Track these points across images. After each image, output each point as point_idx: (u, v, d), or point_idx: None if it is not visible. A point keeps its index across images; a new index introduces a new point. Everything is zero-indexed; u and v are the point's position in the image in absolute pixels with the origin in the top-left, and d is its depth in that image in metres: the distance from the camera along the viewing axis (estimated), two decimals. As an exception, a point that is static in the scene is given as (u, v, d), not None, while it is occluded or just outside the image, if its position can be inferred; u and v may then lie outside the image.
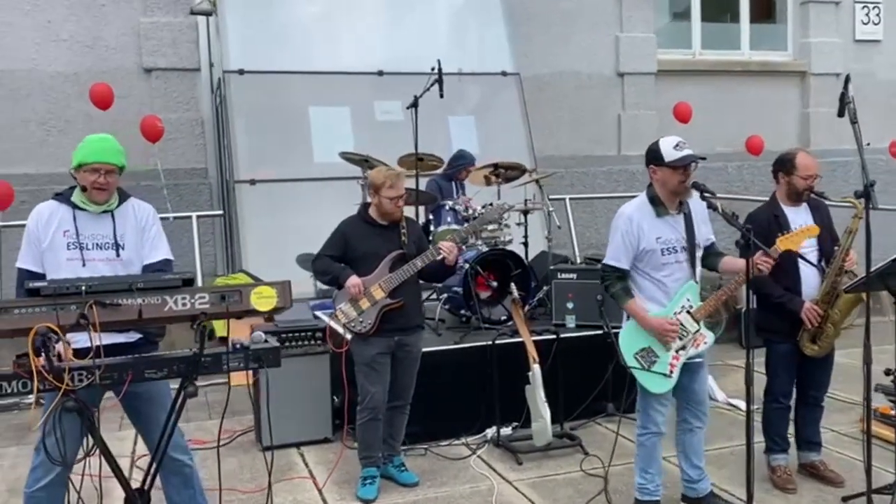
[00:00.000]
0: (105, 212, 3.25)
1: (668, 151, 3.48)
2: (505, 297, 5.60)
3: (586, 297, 5.27)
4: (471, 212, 5.70)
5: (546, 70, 10.45)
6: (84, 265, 3.16)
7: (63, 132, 8.94)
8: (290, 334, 4.89)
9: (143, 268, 3.28)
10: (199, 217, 7.15)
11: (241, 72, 7.39)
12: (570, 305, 5.42)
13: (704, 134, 11.31)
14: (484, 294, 5.60)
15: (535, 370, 4.62)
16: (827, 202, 4.07)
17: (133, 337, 3.25)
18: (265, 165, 7.16)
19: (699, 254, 3.66)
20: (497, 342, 4.92)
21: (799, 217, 3.98)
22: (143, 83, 9.20)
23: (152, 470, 3.01)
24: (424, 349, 4.91)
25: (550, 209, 6.26)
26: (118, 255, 3.23)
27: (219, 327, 6.46)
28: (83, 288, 2.53)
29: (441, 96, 5.83)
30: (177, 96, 9.22)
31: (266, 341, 3.10)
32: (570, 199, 8.58)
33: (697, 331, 3.60)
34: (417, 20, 8.04)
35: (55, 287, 2.52)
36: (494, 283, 5.51)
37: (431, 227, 5.77)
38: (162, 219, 7.99)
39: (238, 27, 7.54)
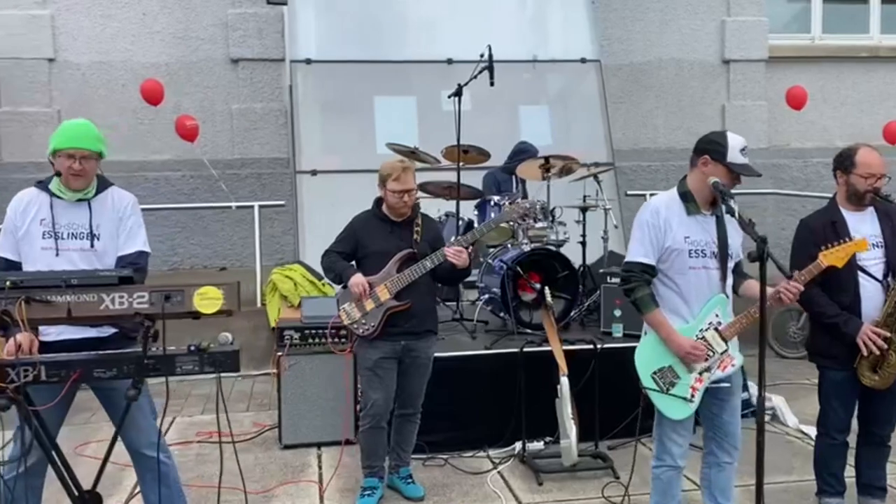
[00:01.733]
0: (81, 200, 3.16)
1: (735, 152, 3.02)
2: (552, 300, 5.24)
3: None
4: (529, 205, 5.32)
5: (641, 57, 9.84)
6: (58, 255, 3.10)
7: (154, 122, 9.24)
8: (315, 330, 4.72)
9: (117, 259, 3.18)
10: (261, 207, 7.13)
11: (308, 61, 7.34)
12: (617, 313, 4.97)
13: (822, 127, 10.35)
14: (527, 296, 5.23)
15: (564, 383, 4.24)
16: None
17: (106, 332, 3.16)
18: (328, 156, 7.08)
19: (731, 264, 3.17)
20: (525, 350, 4.55)
21: (863, 224, 3.41)
22: (229, 73, 9.38)
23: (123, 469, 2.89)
24: (451, 353, 4.69)
25: (607, 207, 5.79)
26: (93, 245, 3.14)
27: (272, 315, 6.45)
28: (7, 283, 2.43)
29: (491, 84, 5.50)
30: (262, 86, 9.34)
31: (232, 343, 2.94)
32: (651, 194, 7.95)
33: (725, 351, 3.12)
34: (491, 5, 7.69)
35: (-15, 281, 2.44)
36: (538, 286, 5.13)
37: (475, 224, 5.44)
38: (223, 208, 8.17)
39: (307, 17, 7.50)
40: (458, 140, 5.37)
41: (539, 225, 5.34)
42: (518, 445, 4.58)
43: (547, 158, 5.38)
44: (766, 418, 5.05)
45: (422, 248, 3.86)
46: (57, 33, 9.00)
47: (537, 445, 4.63)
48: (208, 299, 2.66)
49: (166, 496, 3.37)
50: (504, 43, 7.61)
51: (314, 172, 7.01)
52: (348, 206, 6.66)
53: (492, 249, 5.57)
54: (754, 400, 5.12)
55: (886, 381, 3.36)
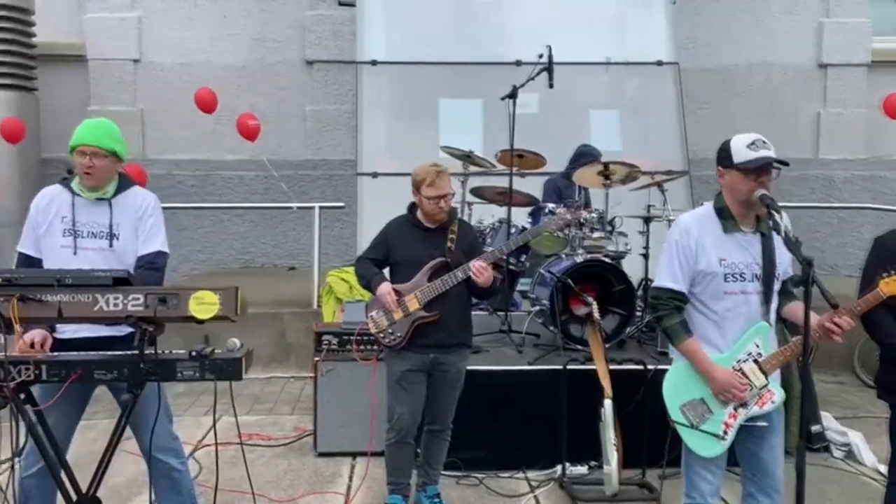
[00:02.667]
0: (101, 199, 3.14)
1: (740, 150, 2.72)
2: (605, 315, 4.95)
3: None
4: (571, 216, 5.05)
5: (729, 60, 9.37)
6: (76, 253, 3.08)
7: (230, 122, 9.36)
8: (352, 336, 4.60)
9: (136, 259, 3.14)
10: (322, 208, 7.11)
11: (373, 63, 7.28)
12: (674, 332, 4.61)
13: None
14: (580, 310, 4.95)
15: (607, 406, 3.97)
16: None
17: (123, 331, 3.11)
18: (389, 158, 6.97)
19: (777, 286, 2.84)
20: (569, 368, 4.29)
21: (944, 246, 3.00)
22: (304, 75, 9.48)
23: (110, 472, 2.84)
24: (490, 367, 4.48)
25: (671, 217, 5.42)
26: (111, 245, 3.12)
27: (327, 317, 6.39)
28: (-1, 281, 2.40)
29: (550, 86, 5.26)
30: (336, 88, 9.39)
31: (241, 347, 2.85)
32: None
33: (765, 386, 2.80)
34: (563, 6, 7.43)
35: (-23, 278, 2.41)
36: (590, 300, 4.84)
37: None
38: (283, 209, 8.19)
39: (376, 18, 7.43)
40: (512, 144, 5.16)
41: (596, 235, 5.07)
42: (559, 469, 4.32)
43: (606, 164, 5.08)
44: (840, 455, 4.67)
45: (456, 257, 3.67)
46: (143, 36, 9.31)
47: (580, 470, 4.37)
48: (204, 304, 2.57)
49: (179, 503, 3.31)
50: (576, 44, 7.37)
51: (375, 175, 6.94)
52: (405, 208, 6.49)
53: (548, 258, 5.32)
54: (829, 434, 4.77)
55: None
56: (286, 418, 5.38)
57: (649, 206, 5.52)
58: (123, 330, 3.14)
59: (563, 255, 5.10)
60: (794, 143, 9.48)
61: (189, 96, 9.24)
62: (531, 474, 4.37)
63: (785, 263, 2.86)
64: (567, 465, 4.33)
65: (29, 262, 3.12)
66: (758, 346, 2.80)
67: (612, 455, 3.87)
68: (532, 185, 5.58)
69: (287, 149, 9.44)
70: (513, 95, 5.10)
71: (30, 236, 3.16)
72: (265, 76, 9.42)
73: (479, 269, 3.55)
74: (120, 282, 2.53)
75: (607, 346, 4.87)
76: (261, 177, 9.23)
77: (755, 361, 2.79)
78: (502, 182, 5.52)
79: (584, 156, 5.83)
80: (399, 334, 3.64)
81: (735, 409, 2.80)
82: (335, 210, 7.65)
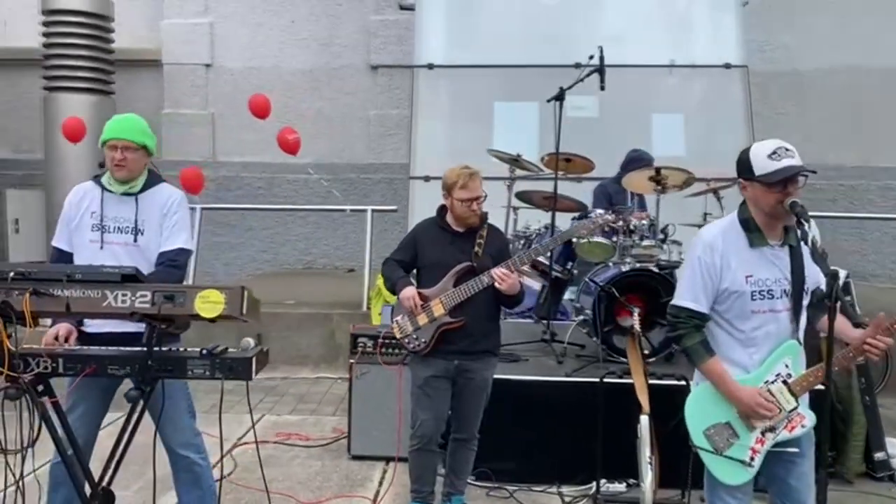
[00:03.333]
0: (128, 194, 3.19)
1: (761, 161, 2.54)
2: (653, 327, 4.77)
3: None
4: (621, 224, 4.88)
5: (809, 64, 8.96)
6: (102, 248, 3.15)
7: (296, 125, 9.37)
8: (389, 339, 4.54)
9: (158, 255, 3.18)
10: (374, 211, 7.13)
11: (429, 66, 7.25)
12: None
13: None
14: (626, 321, 4.76)
15: (643, 422, 3.78)
16: None
17: (141, 326, 3.16)
18: (442, 161, 6.90)
19: (806, 301, 2.64)
20: (606, 381, 4.13)
21: None
22: (368, 80, 9.57)
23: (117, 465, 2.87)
24: (525, 377, 4.38)
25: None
26: (136, 240, 3.16)
27: (374, 319, 6.39)
28: (10, 274, 2.46)
29: (602, 88, 5.10)
30: (399, 93, 9.43)
31: (255, 347, 2.86)
32: (826, 216, 7.09)
33: (795, 409, 2.60)
34: (626, 7, 7.23)
35: (-7, 272, 2.48)
36: (636, 310, 4.66)
37: (574, 239, 5.04)
38: (336, 210, 8.27)
39: (434, 22, 7.40)
40: (558, 147, 5.02)
41: (646, 243, 4.88)
42: (595, 485, 4.16)
43: (658, 170, 4.88)
44: (905, 483, 4.34)
45: (483, 262, 3.57)
46: (214, 41, 9.58)
47: (618, 487, 4.20)
48: (210, 303, 2.56)
49: (198, 497, 3.34)
50: (639, 47, 7.17)
51: (427, 178, 6.91)
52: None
53: (596, 266, 5.16)
54: (894, 462, 4.45)
55: None
56: (328, 419, 5.39)
57: (706, 213, 5.29)
58: (141, 326, 3.20)
59: (611, 264, 4.93)
60: (883, 151, 8.99)
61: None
62: (565, 489, 4.22)
63: (815, 275, 2.66)
64: (604, 482, 4.17)
65: (61, 256, 3.20)
66: (787, 366, 2.61)
67: (647, 473, 3.69)
68: (581, 190, 5.42)
69: (351, 152, 9.55)
70: (560, 98, 4.97)
71: (63, 231, 3.24)
72: (331, 80, 9.55)
73: (502, 276, 3.45)
74: (128, 279, 2.56)
75: (653, 359, 4.71)
76: (323, 180, 9.35)
77: (784, 382, 2.60)
78: (550, 186, 5.39)
79: (636, 161, 5.63)
80: (423, 340, 3.57)
81: (763, 433, 2.62)
82: (389, 213, 7.66)
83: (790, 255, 2.62)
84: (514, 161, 5.34)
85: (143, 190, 3.22)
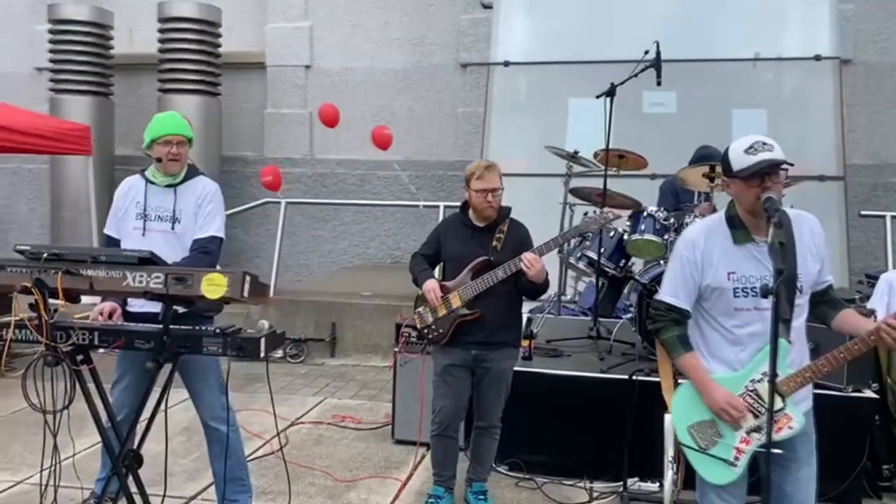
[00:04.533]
0: (170, 186, 3.50)
1: (738, 156, 2.51)
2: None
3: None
4: (673, 221, 4.81)
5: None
6: (144, 234, 3.47)
7: (388, 124, 9.82)
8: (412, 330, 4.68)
9: (193, 241, 3.47)
10: (446, 207, 7.29)
11: (505, 64, 7.32)
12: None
13: None
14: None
15: (667, 421, 3.74)
16: None
17: (181, 308, 3.46)
18: (515, 158, 6.98)
19: (801, 300, 2.57)
20: (636, 378, 4.10)
21: None
22: (458, 78, 9.72)
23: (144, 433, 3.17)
24: (560, 371, 4.42)
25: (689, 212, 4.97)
26: (173, 228, 3.47)
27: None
28: (44, 255, 2.79)
29: (658, 84, 5.03)
30: (486, 90, 9.52)
31: (270, 328, 3.08)
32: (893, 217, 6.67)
33: (782, 409, 2.54)
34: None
35: (28, 252, 2.82)
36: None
37: (625, 236, 5.01)
38: (410, 206, 8.46)
39: (509, 19, 7.47)
40: (608, 143, 4.98)
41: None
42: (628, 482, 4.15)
43: (713, 167, 4.77)
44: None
45: (501, 256, 3.64)
46: (314, 43, 10.03)
47: (650, 487, 4.16)
48: (214, 285, 2.79)
49: (229, 466, 3.61)
50: (720, 39, 6.96)
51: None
52: (526, 209, 6.64)
53: (648, 265, 5.10)
54: None
55: None
56: (383, 405, 5.60)
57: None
58: (182, 308, 3.50)
59: (661, 262, 4.86)
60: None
61: (353, 99, 9.87)
62: (596, 485, 4.22)
63: (811, 273, 2.58)
64: (636, 480, 4.16)
65: (110, 241, 3.56)
66: (773, 365, 2.54)
67: (668, 472, 3.65)
68: (632, 188, 5.35)
69: (440, 149, 9.75)
70: (611, 93, 4.94)
71: (112, 220, 3.60)
72: (422, 79, 9.77)
73: (531, 262, 3.49)
74: (145, 262, 2.84)
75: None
76: (412, 177, 9.60)
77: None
78: (611, 183, 5.36)
79: (705, 158, 5.48)
80: (442, 330, 3.70)
81: (748, 433, 2.57)
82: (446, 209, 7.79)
83: (780, 251, 2.55)
84: (572, 157, 5.34)
85: (183, 181, 3.52)
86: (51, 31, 9.42)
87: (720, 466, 2.60)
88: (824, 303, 2.67)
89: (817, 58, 6.73)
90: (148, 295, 2.81)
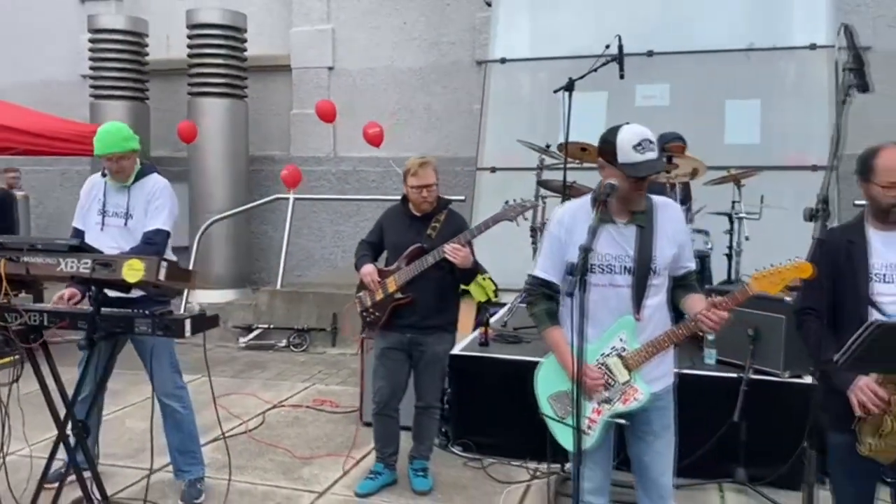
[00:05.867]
0: (124, 186, 3.83)
1: (626, 150, 2.60)
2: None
3: (736, 329, 4.15)
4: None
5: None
6: (102, 229, 3.82)
7: (407, 122, 10.17)
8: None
9: (142, 234, 3.78)
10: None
11: (502, 60, 7.47)
12: (710, 337, 4.32)
13: None
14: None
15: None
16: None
17: (136, 293, 3.76)
18: (510, 153, 7.12)
19: (656, 281, 2.68)
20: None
21: (888, 248, 2.60)
22: (473, 75, 9.87)
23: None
24: (512, 357, 4.58)
25: (741, 215, 4.98)
26: (126, 223, 3.80)
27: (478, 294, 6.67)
28: (-10, 245, 3.14)
29: (621, 77, 5.11)
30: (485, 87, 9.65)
31: (201, 312, 3.36)
32: None
33: (628, 382, 2.67)
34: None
35: (-24, 242, 3.18)
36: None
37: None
38: (373, 200, 8.62)
39: (505, 17, 7.61)
40: (567, 136, 5.09)
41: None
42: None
43: (670, 158, 4.84)
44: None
45: (435, 244, 3.84)
46: (336, 45, 10.37)
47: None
48: (133, 269, 3.08)
49: (180, 440, 3.92)
50: (715, 30, 6.94)
51: (493, 169, 7.16)
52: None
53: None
54: None
55: (888, 452, 2.52)
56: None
57: (734, 202, 5.13)
58: (136, 293, 3.81)
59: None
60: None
61: (373, 98, 10.17)
62: (542, 466, 4.36)
63: (666, 257, 2.69)
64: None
65: (77, 233, 3.91)
66: (622, 340, 2.68)
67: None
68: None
69: (456, 146, 9.93)
70: (569, 88, 5.04)
71: (79, 214, 3.95)
72: (439, 77, 9.98)
73: (454, 250, 3.69)
74: (76, 249, 3.16)
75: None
76: (397, 170, 9.82)
77: (619, 356, 2.68)
78: (579, 176, 5.47)
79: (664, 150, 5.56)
80: (378, 314, 3.92)
81: (599, 404, 2.71)
82: (460, 203, 7.95)
83: (638, 235, 2.68)
84: (544, 151, 5.47)
85: (134, 181, 3.84)
86: (90, 41, 10.02)
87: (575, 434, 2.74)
88: (681, 287, 2.77)
89: (812, 47, 6.64)
90: (76, 279, 3.13)
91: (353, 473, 4.28)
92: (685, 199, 5.62)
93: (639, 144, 2.60)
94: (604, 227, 2.70)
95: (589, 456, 2.77)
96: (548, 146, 5.54)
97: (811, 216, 2.43)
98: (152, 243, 3.75)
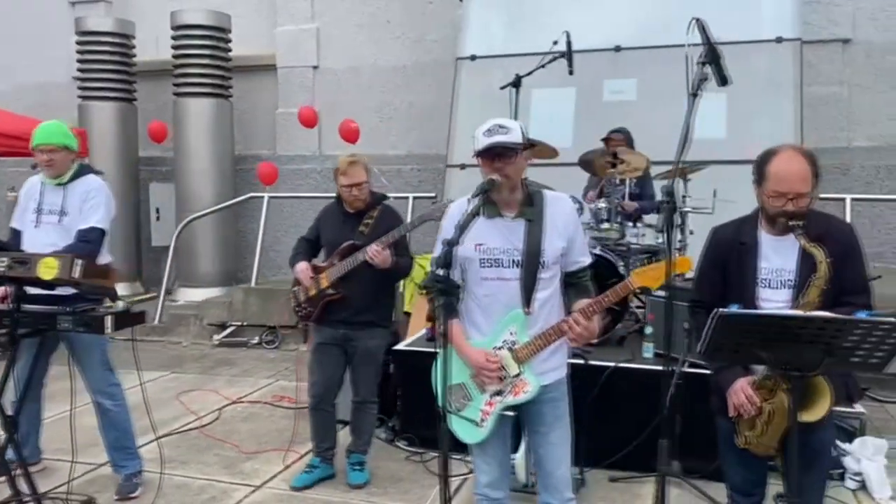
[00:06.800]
0: (60, 185, 3.90)
1: (478, 137, 2.66)
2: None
3: (673, 322, 4.14)
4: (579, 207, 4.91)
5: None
6: (37, 226, 3.89)
7: (391, 118, 10.22)
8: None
9: (76, 232, 3.84)
10: (415, 198, 7.53)
11: (472, 58, 7.50)
12: (647, 330, 4.33)
13: None
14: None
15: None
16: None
17: (67, 291, 3.82)
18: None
19: (546, 274, 2.70)
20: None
21: (777, 255, 2.60)
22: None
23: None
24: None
25: (685, 209, 4.97)
26: (60, 221, 3.87)
27: (407, 299, 6.77)
28: (-86, 243, 3.23)
29: (570, 73, 5.13)
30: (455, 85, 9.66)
31: (125, 309, 3.43)
32: (854, 198, 6.51)
33: (518, 375, 2.70)
34: (671, -15, 6.97)
35: None
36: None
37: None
38: (402, 198, 8.68)
39: (478, 13, 7.63)
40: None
41: (604, 226, 4.87)
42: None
43: (615, 153, 4.85)
44: (853, 486, 4.04)
45: (368, 240, 3.89)
46: (320, 44, 10.43)
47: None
48: (48, 267, 3.16)
49: (115, 437, 3.99)
50: (682, 25, 6.89)
51: (463, 166, 7.18)
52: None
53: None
54: (846, 461, 4.14)
55: (761, 448, 2.54)
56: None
57: (684, 196, 5.11)
58: (67, 291, 3.86)
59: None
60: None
61: (358, 96, 10.22)
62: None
63: (556, 250, 2.71)
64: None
65: (14, 233, 3.99)
66: (512, 333, 2.70)
67: (522, 444, 3.82)
68: (545, 177, 5.45)
69: (440, 143, 9.95)
70: (516, 84, 5.07)
71: (16, 214, 4.03)
72: (422, 75, 10.01)
73: (374, 253, 3.75)
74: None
75: (597, 341, 4.74)
76: (415, 170, 9.89)
77: (510, 349, 2.71)
78: (532, 173, 5.48)
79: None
80: (311, 309, 3.98)
81: (492, 396, 2.74)
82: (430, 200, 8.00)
83: (526, 228, 2.71)
84: (498, 147, 5.49)
85: (70, 181, 3.91)
86: (78, 43, 10.14)
87: (470, 427, 2.78)
88: (572, 286, 2.78)
89: (778, 40, 6.61)
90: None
91: (295, 468, 4.33)
92: (643, 196, 5.65)
93: (488, 129, 2.64)
94: (493, 221, 2.73)
95: (484, 450, 2.82)
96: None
97: (658, 209, 2.45)
98: (86, 241, 3.82)
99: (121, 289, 9.83)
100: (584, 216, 5.01)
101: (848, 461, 4.13)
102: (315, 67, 10.47)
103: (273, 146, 10.63)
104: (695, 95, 2.58)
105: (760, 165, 2.61)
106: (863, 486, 4.04)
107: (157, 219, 10.58)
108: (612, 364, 4.28)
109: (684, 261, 2.53)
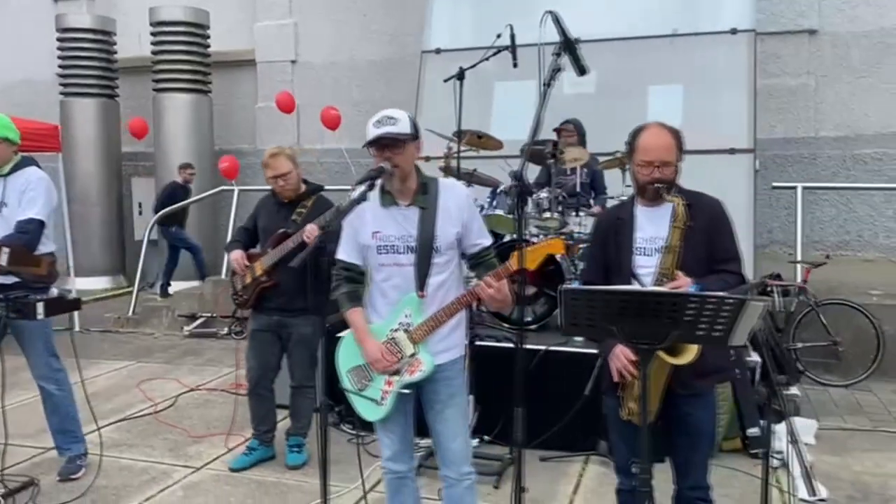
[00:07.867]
0: (1, 176, 4.02)
1: (368, 128, 2.78)
2: (539, 298, 4.93)
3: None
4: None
5: (868, 27, 8.18)
6: None
7: (369, 113, 10.15)
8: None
9: (16, 223, 3.96)
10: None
11: (437, 51, 7.60)
12: (580, 316, 4.43)
13: None
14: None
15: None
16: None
17: (10, 280, 3.95)
18: (442, 144, 7.24)
19: (440, 259, 2.82)
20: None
21: (650, 224, 2.72)
22: (431, 66, 10.00)
23: None
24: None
25: (623, 198, 5.06)
26: (0, 211, 3.98)
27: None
28: None
29: (514, 66, 5.23)
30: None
31: (59, 296, 3.57)
32: (805, 188, 6.59)
33: (413, 355, 2.82)
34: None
35: None
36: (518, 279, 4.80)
37: (485, 210, 5.24)
38: (336, 191, 8.77)
39: (443, 7, 7.74)
40: (459, 124, 5.23)
41: (545, 216, 4.98)
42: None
43: (555, 143, 4.97)
44: (777, 464, 4.15)
45: (299, 229, 4.00)
46: (299, 39, 10.57)
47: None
48: (-12, 255, 3.30)
49: (58, 422, 4.11)
50: (640, 17, 7.01)
51: (427, 158, 7.26)
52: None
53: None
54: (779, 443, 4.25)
55: (639, 417, 2.65)
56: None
57: (626, 185, 5.22)
58: (10, 279, 3.99)
59: (512, 235, 5.09)
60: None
61: (336, 90, 10.35)
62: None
63: (449, 235, 2.82)
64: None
65: None
66: (408, 316, 2.82)
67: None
68: (493, 168, 5.58)
69: (416, 136, 10.10)
70: (460, 77, 5.18)
71: None
72: (400, 69, 10.12)
73: (311, 231, 3.84)
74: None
75: (534, 327, 4.88)
76: (348, 161, 10.02)
77: (405, 331, 2.82)
78: (480, 164, 5.63)
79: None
80: (246, 296, 4.10)
81: (390, 376, 2.86)
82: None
83: (420, 216, 2.83)
84: (450, 139, 5.60)
85: (10, 173, 4.03)
86: (59, 40, 10.30)
87: (371, 405, 2.89)
88: (480, 265, 2.90)
89: (733, 31, 6.69)
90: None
91: (238, 451, 4.46)
92: (594, 186, 5.76)
93: (377, 121, 2.76)
94: (388, 210, 2.85)
95: (386, 426, 2.94)
96: (456, 133, 5.67)
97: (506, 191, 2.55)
98: (24, 232, 3.92)
99: (104, 282, 10.03)
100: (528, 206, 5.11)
101: (774, 441, 4.23)
102: (293, 62, 10.62)
103: (253, 140, 10.78)
104: (547, 86, 2.67)
105: (631, 141, 2.74)
106: (784, 465, 4.14)
107: (140, 213, 10.74)
108: (542, 347, 4.38)
109: (556, 243, 2.64)
